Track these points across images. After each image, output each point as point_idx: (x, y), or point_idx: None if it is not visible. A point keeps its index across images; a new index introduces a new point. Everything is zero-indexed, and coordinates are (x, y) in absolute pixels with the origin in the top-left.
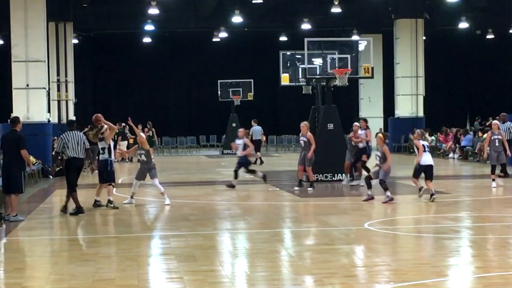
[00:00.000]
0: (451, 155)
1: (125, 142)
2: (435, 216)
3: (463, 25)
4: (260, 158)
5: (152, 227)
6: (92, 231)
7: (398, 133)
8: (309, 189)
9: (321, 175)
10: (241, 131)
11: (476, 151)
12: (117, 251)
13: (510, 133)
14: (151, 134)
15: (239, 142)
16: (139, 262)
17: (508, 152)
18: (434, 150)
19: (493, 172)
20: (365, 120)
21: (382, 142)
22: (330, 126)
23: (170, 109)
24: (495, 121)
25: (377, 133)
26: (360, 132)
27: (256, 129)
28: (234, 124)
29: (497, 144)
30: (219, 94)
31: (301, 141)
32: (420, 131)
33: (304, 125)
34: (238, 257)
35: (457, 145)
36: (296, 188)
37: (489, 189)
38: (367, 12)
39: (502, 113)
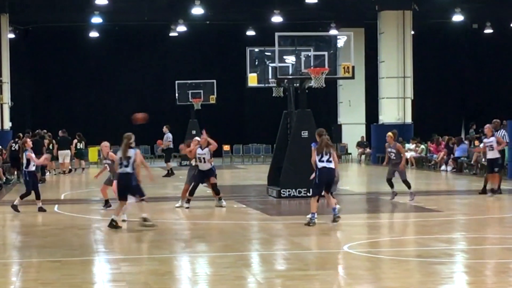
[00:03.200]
0: (443, 167)
1: (68, 151)
2: (425, 238)
3: (458, 17)
4: (171, 169)
5: (99, 249)
6: (31, 254)
7: (382, 142)
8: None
9: (294, 190)
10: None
11: (472, 162)
12: (59, 277)
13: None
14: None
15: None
16: None
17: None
18: (424, 162)
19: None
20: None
21: (393, 140)
22: (305, 134)
23: (121, 114)
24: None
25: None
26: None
27: (170, 137)
28: (193, 131)
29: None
30: (176, 97)
31: None
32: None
33: None
34: (199, 284)
35: (450, 156)
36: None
37: (488, 206)
38: (347, 2)
39: (494, 120)
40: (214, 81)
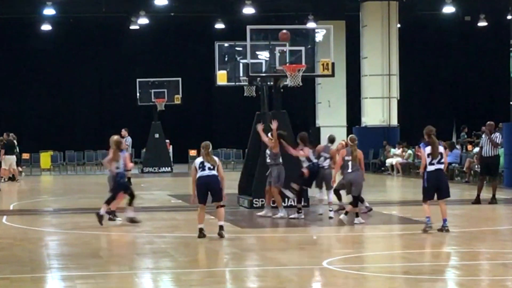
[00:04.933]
0: None
1: (14, 157)
2: (412, 252)
3: (448, 9)
4: (129, 178)
5: (52, 265)
6: None
7: (365, 147)
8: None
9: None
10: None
11: (464, 169)
12: None
13: (496, 143)
14: None
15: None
16: None
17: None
18: (412, 168)
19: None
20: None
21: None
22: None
23: (76, 115)
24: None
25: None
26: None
27: (129, 141)
28: (157, 135)
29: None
30: (138, 97)
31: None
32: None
33: None
34: None
35: None
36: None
37: (481, 218)
38: None
39: (488, 122)
40: (179, 79)
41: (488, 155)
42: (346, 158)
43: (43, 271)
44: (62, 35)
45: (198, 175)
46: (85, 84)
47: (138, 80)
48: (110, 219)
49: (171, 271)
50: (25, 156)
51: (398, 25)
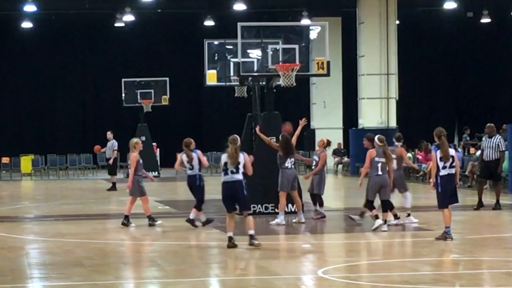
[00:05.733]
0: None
1: None
2: (412, 261)
3: (450, 5)
4: (114, 184)
5: (34, 275)
6: None
7: (362, 150)
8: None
9: (259, 205)
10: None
11: (467, 173)
12: None
13: (500, 151)
14: None
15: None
16: None
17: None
18: (411, 172)
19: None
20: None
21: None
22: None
23: (58, 117)
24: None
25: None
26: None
27: (115, 144)
28: (143, 138)
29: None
30: (123, 98)
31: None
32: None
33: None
34: None
35: None
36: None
37: (485, 224)
38: None
39: (488, 124)
40: (167, 79)
41: (489, 159)
42: (377, 159)
43: (24, 281)
44: (43, 33)
45: (222, 180)
46: (68, 84)
47: (123, 80)
48: (123, 224)
49: (158, 281)
50: (5, 160)
51: (397, 22)
